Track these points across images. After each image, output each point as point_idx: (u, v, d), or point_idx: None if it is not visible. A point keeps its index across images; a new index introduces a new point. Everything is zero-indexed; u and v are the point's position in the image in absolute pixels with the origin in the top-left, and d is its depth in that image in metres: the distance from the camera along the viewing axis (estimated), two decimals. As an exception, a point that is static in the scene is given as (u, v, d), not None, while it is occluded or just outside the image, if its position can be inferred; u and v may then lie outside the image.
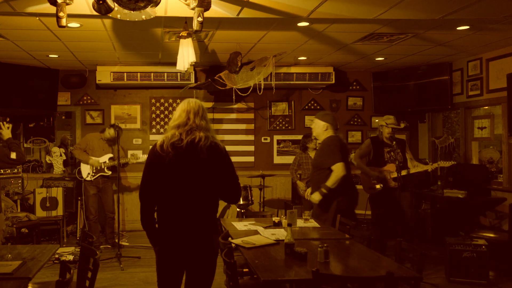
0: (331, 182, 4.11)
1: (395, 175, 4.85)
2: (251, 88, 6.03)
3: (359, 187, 5.65)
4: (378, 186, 4.99)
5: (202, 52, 5.97)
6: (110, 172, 6.08)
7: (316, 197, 4.20)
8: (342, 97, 7.66)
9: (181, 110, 2.66)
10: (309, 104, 7.61)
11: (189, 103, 2.68)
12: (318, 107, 7.61)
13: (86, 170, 6.03)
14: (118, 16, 3.02)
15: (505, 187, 5.72)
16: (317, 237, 3.66)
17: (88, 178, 6.02)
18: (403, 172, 4.88)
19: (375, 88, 7.52)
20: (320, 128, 4.30)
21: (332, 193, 4.14)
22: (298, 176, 6.19)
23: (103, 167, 6.03)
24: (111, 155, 6.10)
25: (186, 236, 2.59)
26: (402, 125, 5.15)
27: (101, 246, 6.06)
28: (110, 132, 5.95)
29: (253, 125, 7.50)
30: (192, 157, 2.57)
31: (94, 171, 6.02)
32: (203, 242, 2.62)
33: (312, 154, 6.11)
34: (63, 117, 7.30)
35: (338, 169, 4.09)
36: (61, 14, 2.77)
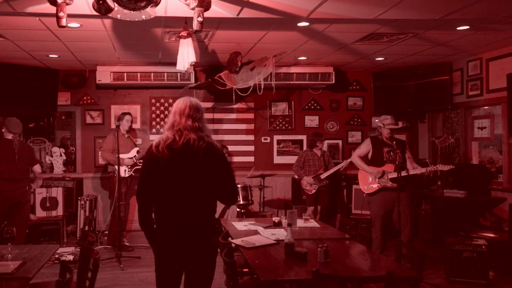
0: None
1: (393, 175, 4.84)
2: (251, 88, 6.02)
3: (358, 187, 5.65)
4: (375, 186, 4.98)
5: (202, 52, 5.97)
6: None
7: None
8: (342, 97, 7.66)
9: (171, 113, 2.70)
10: (309, 104, 7.61)
11: (177, 104, 2.69)
12: (318, 107, 7.62)
13: (121, 168, 6.17)
14: (118, 16, 3.02)
15: (505, 187, 5.72)
16: (317, 237, 3.66)
17: (127, 175, 6.24)
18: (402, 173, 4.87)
19: (375, 88, 7.51)
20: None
21: None
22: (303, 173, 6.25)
23: (135, 160, 6.35)
24: (137, 148, 6.46)
25: (184, 237, 2.58)
26: (401, 124, 5.15)
27: (101, 246, 6.06)
28: (128, 119, 6.36)
29: (253, 125, 7.50)
30: (189, 158, 2.56)
31: (129, 166, 6.31)
32: (202, 243, 2.61)
33: (318, 152, 6.30)
34: (63, 117, 7.29)
35: None
36: (61, 14, 2.77)
